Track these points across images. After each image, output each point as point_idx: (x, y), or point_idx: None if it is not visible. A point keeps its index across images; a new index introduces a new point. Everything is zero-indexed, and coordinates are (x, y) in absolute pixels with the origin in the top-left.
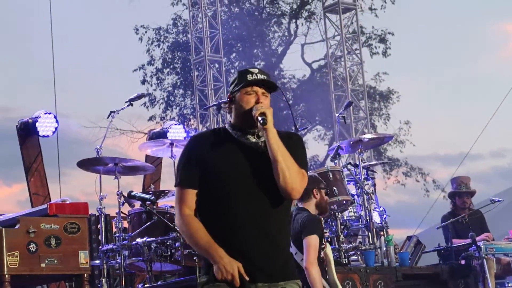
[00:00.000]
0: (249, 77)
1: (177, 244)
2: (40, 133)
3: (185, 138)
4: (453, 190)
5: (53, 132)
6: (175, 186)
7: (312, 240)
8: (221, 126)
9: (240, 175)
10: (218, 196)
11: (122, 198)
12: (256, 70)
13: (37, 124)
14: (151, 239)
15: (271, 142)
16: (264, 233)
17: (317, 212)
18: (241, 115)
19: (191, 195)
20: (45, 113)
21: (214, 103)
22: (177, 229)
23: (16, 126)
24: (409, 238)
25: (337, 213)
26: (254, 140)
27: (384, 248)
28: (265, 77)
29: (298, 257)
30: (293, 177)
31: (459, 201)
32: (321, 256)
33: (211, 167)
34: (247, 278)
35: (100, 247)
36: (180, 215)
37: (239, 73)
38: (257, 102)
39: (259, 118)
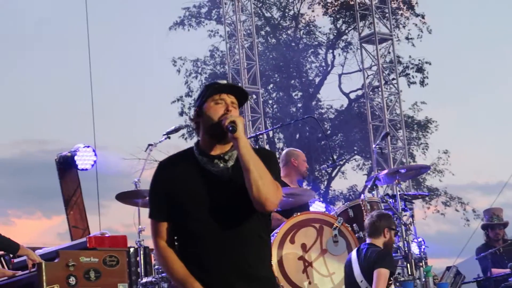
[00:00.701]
0: (216, 86)
1: None
2: (79, 167)
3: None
4: (485, 222)
5: (92, 166)
6: (149, 217)
7: (383, 272)
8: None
9: (206, 209)
10: (187, 230)
11: None
12: (225, 81)
13: (75, 157)
14: None
15: (242, 151)
16: (241, 265)
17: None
18: (210, 128)
19: (164, 226)
20: (84, 147)
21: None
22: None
23: (55, 160)
24: (448, 268)
25: None
26: (221, 165)
27: (423, 279)
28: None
29: None
30: (266, 187)
31: (492, 233)
32: None
33: (176, 201)
34: None
35: (139, 279)
36: (156, 247)
37: (205, 86)
38: (226, 110)
39: (229, 127)
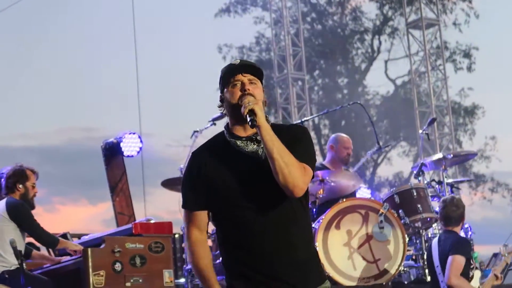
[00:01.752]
0: (230, 67)
1: None
2: (125, 153)
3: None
4: None
5: (138, 152)
6: (182, 207)
7: (456, 259)
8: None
9: (245, 191)
10: (228, 214)
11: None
12: (238, 61)
13: (121, 144)
14: None
15: (265, 139)
16: (284, 245)
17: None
18: (232, 112)
19: (199, 216)
20: (129, 133)
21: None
22: None
23: (101, 146)
24: (495, 255)
25: (421, 231)
26: (254, 146)
27: None
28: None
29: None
30: (293, 174)
31: None
32: (470, 275)
33: (214, 186)
34: None
35: (184, 266)
36: (188, 238)
37: (223, 69)
38: (242, 90)
39: (248, 119)
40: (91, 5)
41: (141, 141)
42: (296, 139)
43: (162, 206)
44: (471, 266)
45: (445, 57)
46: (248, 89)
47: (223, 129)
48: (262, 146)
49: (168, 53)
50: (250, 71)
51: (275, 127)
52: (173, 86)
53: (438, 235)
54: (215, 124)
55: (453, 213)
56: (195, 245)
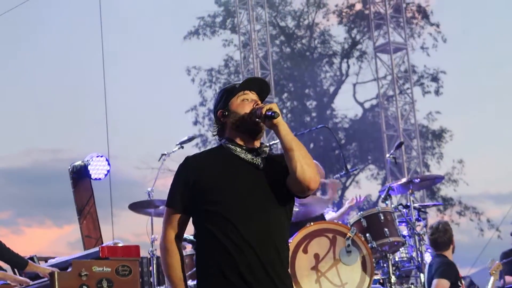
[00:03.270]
0: (237, 85)
1: None
2: (92, 176)
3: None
4: None
5: (105, 175)
6: (165, 206)
7: (439, 282)
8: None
9: (242, 194)
10: (221, 216)
11: None
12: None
13: (89, 167)
14: None
15: (284, 132)
16: (268, 254)
17: (452, 256)
18: (241, 123)
19: (181, 219)
20: (97, 156)
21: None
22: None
23: (69, 169)
24: (463, 278)
25: (388, 254)
26: (250, 157)
27: None
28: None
29: None
30: (311, 167)
31: None
32: None
33: (208, 187)
34: None
35: None
36: (164, 238)
37: (226, 88)
38: (256, 105)
39: (268, 113)
40: (60, 25)
41: (108, 164)
42: (282, 162)
43: (128, 228)
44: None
45: (412, 80)
46: (258, 103)
47: (220, 143)
48: (263, 157)
49: (136, 74)
50: (257, 91)
51: (273, 155)
52: (142, 108)
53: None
54: (182, 147)
55: (440, 238)
56: (171, 245)
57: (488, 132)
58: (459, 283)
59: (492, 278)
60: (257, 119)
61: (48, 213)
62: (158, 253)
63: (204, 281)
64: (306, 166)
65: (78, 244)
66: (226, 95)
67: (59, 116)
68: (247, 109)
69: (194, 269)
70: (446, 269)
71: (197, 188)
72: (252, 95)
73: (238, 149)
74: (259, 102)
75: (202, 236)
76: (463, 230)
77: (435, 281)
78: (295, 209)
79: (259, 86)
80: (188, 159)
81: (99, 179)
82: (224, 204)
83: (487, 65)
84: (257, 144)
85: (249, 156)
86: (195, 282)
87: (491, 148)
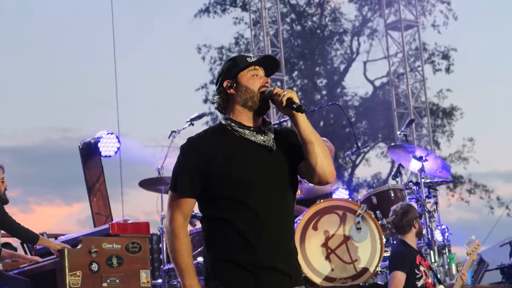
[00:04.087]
0: (249, 59)
1: None
2: (102, 153)
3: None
4: None
5: (115, 152)
6: (170, 190)
7: (394, 275)
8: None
9: (257, 178)
10: (233, 202)
11: None
12: (252, 54)
13: (99, 144)
14: None
15: (303, 124)
16: (284, 238)
17: (416, 239)
18: (249, 99)
19: (188, 203)
20: (107, 133)
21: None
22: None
23: (79, 146)
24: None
25: None
26: (262, 137)
27: (447, 266)
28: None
29: None
30: (329, 159)
31: None
32: (418, 285)
33: (221, 172)
34: None
35: (161, 266)
36: (172, 222)
37: (236, 58)
38: (263, 85)
39: (293, 105)
40: (71, 7)
41: (118, 141)
42: (290, 137)
43: (138, 206)
44: (418, 276)
45: (423, 58)
46: (268, 82)
47: (222, 119)
48: (272, 137)
49: (147, 53)
50: (268, 68)
51: (280, 131)
52: (152, 86)
53: None
54: (193, 124)
55: (398, 222)
56: (179, 229)
57: (499, 110)
58: (417, 271)
59: (469, 258)
60: (270, 100)
61: (58, 192)
62: None
63: (219, 265)
64: (326, 161)
65: (88, 222)
66: (235, 65)
67: (69, 95)
68: (257, 85)
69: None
70: (399, 261)
71: (208, 173)
72: (261, 72)
73: (247, 132)
74: (269, 81)
75: (215, 221)
76: (473, 208)
77: (391, 274)
78: (305, 186)
79: (270, 66)
80: (192, 142)
81: (109, 156)
82: (239, 189)
83: (498, 43)
84: (259, 121)
85: (259, 138)
86: (201, 259)
87: (501, 126)
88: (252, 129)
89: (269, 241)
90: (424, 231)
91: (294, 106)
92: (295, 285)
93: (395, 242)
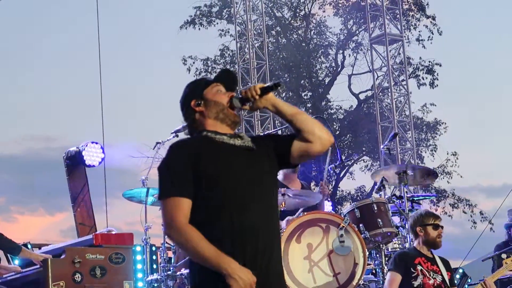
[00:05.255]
0: (209, 78)
1: None
2: (86, 162)
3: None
4: None
5: (99, 163)
6: (165, 196)
7: (390, 275)
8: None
9: (243, 179)
10: (223, 204)
11: None
12: (210, 77)
13: (83, 153)
14: None
15: (282, 103)
16: (270, 239)
17: (427, 248)
18: (221, 112)
19: (187, 203)
20: (92, 143)
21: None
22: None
23: (63, 157)
24: (454, 270)
25: (381, 245)
26: (240, 141)
27: None
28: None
29: None
30: (319, 125)
31: None
32: (415, 285)
33: (207, 174)
34: None
35: (145, 277)
36: (177, 224)
37: (195, 81)
38: (229, 100)
39: (269, 86)
40: (56, 14)
41: (103, 152)
42: (268, 139)
43: (121, 218)
44: (413, 275)
45: (408, 72)
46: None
47: (196, 135)
48: (248, 141)
49: (132, 64)
50: (227, 84)
51: (252, 136)
52: (137, 97)
53: None
54: (177, 135)
55: (410, 228)
56: (188, 229)
57: (482, 125)
58: (413, 270)
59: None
60: (242, 104)
61: (41, 201)
62: (151, 241)
63: (204, 272)
64: (317, 124)
65: (70, 232)
66: (197, 86)
67: (53, 105)
68: (224, 98)
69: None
70: (393, 261)
71: (198, 174)
72: (223, 88)
73: (225, 137)
74: (234, 94)
75: (201, 223)
76: (456, 222)
77: (388, 274)
78: (290, 199)
79: (229, 82)
80: (179, 146)
81: (93, 166)
82: (226, 190)
83: (482, 57)
84: (233, 131)
85: (238, 142)
86: (187, 271)
87: (484, 141)
88: (228, 135)
89: (252, 244)
90: (407, 245)
91: (270, 85)
92: None
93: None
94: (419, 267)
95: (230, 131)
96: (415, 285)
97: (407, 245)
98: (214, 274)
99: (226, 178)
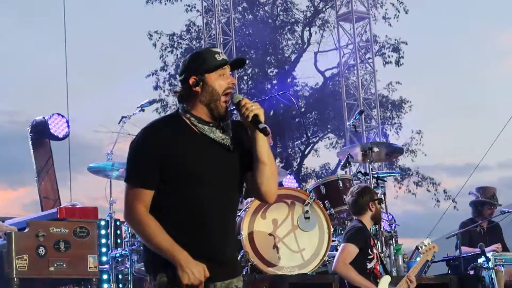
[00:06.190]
0: (218, 56)
1: None
2: (52, 131)
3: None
4: (484, 199)
5: (64, 136)
6: (129, 183)
7: (346, 247)
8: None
9: (211, 174)
10: (185, 195)
11: None
12: (220, 50)
13: (49, 121)
14: None
15: (261, 143)
16: (225, 232)
17: (372, 223)
18: (213, 101)
19: (149, 195)
20: (58, 115)
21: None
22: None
23: (28, 129)
24: (417, 247)
25: (346, 221)
26: (221, 135)
27: (393, 257)
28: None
29: None
30: (275, 184)
31: (488, 212)
32: (368, 267)
33: (179, 165)
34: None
35: (109, 252)
36: (135, 213)
37: (205, 52)
38: (229, 86)
39: (259, 126)
40: None
41: (68, 126)
42: (245, 132)
43: (84, 192)
44: (369, 257)
45: (374, 50)
46: (234, 83)
47: (180, 110)
48: (229, 135)
49: (98, 38)
50: (235, 65)
51: (235, 123)
52: (102, 71)
53: None
54: (143, 110)
55: (354, 202)
56: (145, 217)
57: (446, 104)
58: (370, 252)
59: (421, 258)
60: (234, 106)
61: (3, 175)
62: (116, 216)
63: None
64: (272, 184)
65: (33, 206)
66: (203, 62)
67: (17, 79)
68: (223, 85)
69: None
70: (355, 234)
71: (164, 166)
72: (228, 70)
73: (206, 127)
74: (235, 82)
75: (163, 207)
76: (420, 200)
77: (341, 246)
78: None
79: (237, 65)
80: (150, 132)
81: (58, 136)
82: (192, 184)
83: (447, 37)
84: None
85: (218, 135)
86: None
87: (448, 120)
88: (211, 124)
89: (212, 235)
90: None
91: (260, 126)
92: (232, 277)
93: (350, 221)
94: (375, 250)
95: (214, 121)
96: (368, 267)
97: None
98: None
99: (193, 172)
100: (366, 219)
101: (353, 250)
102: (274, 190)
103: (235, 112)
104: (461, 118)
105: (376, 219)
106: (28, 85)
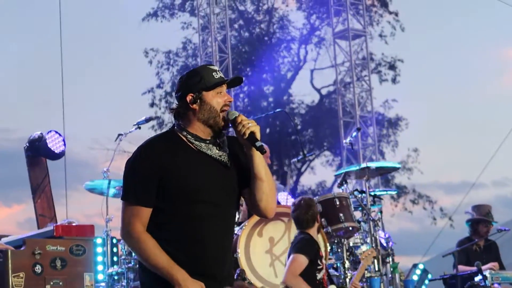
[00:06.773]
0: (216, 74)
1: None
2: (49, 145)
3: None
4: (480, 217)
5: (60, 153)
6: (126, 201)
7: (296, 258)
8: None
9: (209, 193)
10: (183, 212)
11: None
12: (217, 67)
13: (46, 136)
14: None
15: (258, 161)
16: (223, 249)
17: (316, 234)
18: (210, 119)
19: (146, 212)
20: (55, 132)
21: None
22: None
23: (24, 147)
24: (414, 266)
25: (343, 239)
26: (218, 152)
27: (390, 276)
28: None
29: None
30: (274, 199)
31: (484, 230)
32: (317, 277)
33: (177, 182)
34: None
35: (105, 270)
36: (132, 231)
37: (202, 70)
38: (226, 104)
39: (255, 143)
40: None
41: (64, 144)
42: (242, 148)
43: (79, 210)
44: (319, 267)
45: (370, 68)
46: (230, 101)
47: (176, 127)
48: (226, 152)
49: (94, 55)
50: (231, 84)
51: (230, 139)
52: (99, 89)
53: None
54: (139, 128)
55: (302, 215)
56: (143, 235)
57: (442, 122)
58: (319, 262)
59: (362, 264)
60: (230, 124)
61: None
62: (112, 234)
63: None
64: (271, 199)
65: (27, 224)
66: (200, 80)
67: (13, 96)
68: (220, 103)
69: None
70: (305, 245)
71: (162, 184)
72: (225, 88)
73: (203, 145)
74: (232, 100)
75: (160, 224)
76: (416, 218)
77: (291, 256)
78: None
79: (234, 83)
80: (147, 150)
81: (55, 152)
82: (190, 202)
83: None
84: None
85: (215, 152)
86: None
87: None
88: (208, 141)
89: (210, 253)
90: (368, 240)
91: (256, 144)
92: None
93: (297, 234)
94: (323, 261)
95: (211, 138)
96: (317, 278)
97: (368, 239)
98: (163, 279)
99: (190, 189)
100: (314, 232)
101: (303, 261)
102: (273, 206)
103: (230, 129)
104: (457, 136)
105: (320, 230)
106: (23, 103)
